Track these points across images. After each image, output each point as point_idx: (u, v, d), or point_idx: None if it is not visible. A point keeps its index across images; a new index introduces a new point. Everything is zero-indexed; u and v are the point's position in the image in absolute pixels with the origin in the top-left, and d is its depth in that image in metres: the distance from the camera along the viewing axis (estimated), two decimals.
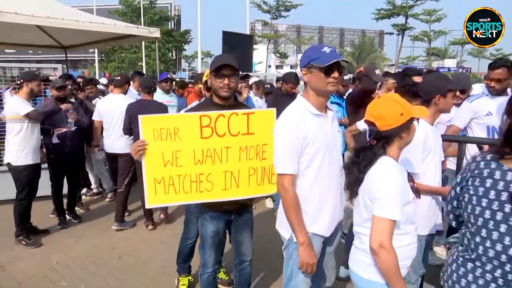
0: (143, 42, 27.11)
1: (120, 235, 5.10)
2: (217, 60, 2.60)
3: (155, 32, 7.98)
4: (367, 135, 2.10)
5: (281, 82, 6.20)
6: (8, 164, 4.64)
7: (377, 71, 4.69)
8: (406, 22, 43.61)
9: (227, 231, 2.98)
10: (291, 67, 68.96)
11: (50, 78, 7.25)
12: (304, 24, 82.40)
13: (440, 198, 2.78)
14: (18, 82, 4.74)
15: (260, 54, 44.30)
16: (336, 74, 2.16)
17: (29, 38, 8.95)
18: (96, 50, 30.14)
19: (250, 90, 8.12)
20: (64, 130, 5.03)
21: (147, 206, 2.53)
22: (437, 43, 51.07)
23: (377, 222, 1.90)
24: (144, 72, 25.80)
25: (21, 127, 4.63)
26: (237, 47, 8.90)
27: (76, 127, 5.11)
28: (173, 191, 2.50)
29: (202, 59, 41.01)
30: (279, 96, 5.56)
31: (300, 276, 2.36)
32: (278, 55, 57.51)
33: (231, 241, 3.08)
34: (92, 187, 6.78)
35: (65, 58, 9.96)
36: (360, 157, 2.02)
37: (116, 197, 5.35)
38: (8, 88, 7.47)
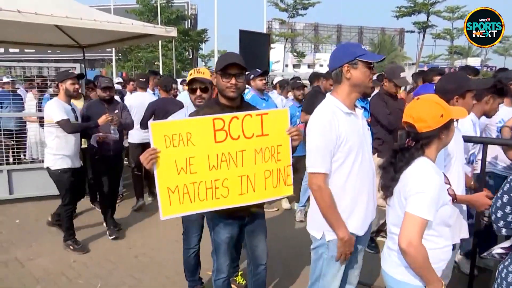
0: (160, 42, 27.37)
1: (137, 235, 5.17)
2: (224, 59, 2.55)
3: (172, 31, 8.06)
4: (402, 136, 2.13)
5: (316, 80, 6.21)
6: (48, 168, 4.59)
7: (402, 74, 4.44)
8: (427, 19, 42.96)
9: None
10: (309, 66, 68.66)
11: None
12: (322, 23, 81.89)
13: (463, 206, 2.72)
14: (56, 84, 4.66)
15: (277, 53, 44.24)
16: (375, 71, 2.25)
17: (48, 37, 9.16)
18: (113, 49, 30.56)
19: (274, 89, 8.11)
20: (106, 135, 4.82)
21: (162, 218, 2.43)
22: (460, 41, 50.02)
23: (408, 219, 1.90)
24: (161, 71, 26.05)
25: (57, 131, 4.53)
26: (254, 46, 8.89)
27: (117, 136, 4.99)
28: (188, 200, 2.43)
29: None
30: (318, 94, 5.49)
31: (329, 275, 2.39)
32: (295, 54, 57.35)
33: (244, 246, 3.05)
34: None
35: (82, 58, 10.15)
36: (397, 158, 2.04)
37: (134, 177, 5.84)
38: (26, 87, 7.67)
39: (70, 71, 4.75)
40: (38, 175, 6.30)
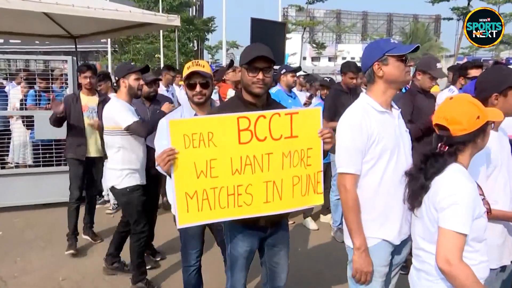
0: (161, 31, 27.58)
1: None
2: (251, 51, 2.57)
3: (175, 20, 8.11)
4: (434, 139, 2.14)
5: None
6: (112, 188, 4.17)
7: (438, 65, 4.41)
8: (468, 4, 42.49)
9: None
10: (330, 59, 68.65)
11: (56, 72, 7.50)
12: (345, 9, 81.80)
13: None
14: (115, 80, 4.29)
15: (294, 44, 44.28)
16: (411, 62, 2.30)
17: (36, 27, 9.28)
18: (109, 40, 30.87)
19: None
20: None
21: (179, 226, 2.46)
22: (508, 28, 49.37)
23: (443, 235, 1.91)
24: (162, 65, 26.22)
25: (122, 140, 4.06)
26: (268, 36, 8.91)
27: None
28: (207, 207, 2.44)
29: (227, 50, 41.33)
30: (338, 92, 5.46)
31: None
32: (314, 45, 57.32)
33: (262, 263, 3.01)
34: (104, 193, 6.94)
35: (74, 49, 10.27)
36: (428, 164, 2.06)
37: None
38: (12, 82, 7.81)
39: (132, 64, 4.51)
40: (24, 181, 6.40)
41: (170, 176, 2.40)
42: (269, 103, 2.71)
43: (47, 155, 6.58)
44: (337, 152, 2.45)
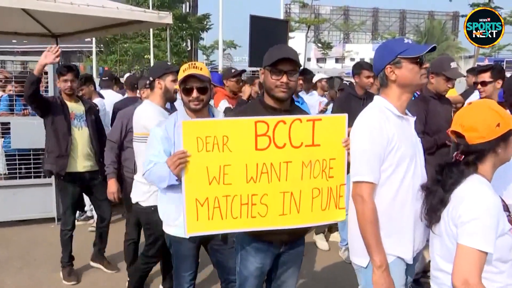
0: (151, 30, 27.72)
1: (121, 274, 5.14)
2: (275, 52, 2.61)
3: (166, 17, 8.16)
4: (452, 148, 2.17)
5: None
6: (136, 204, 3.98)
7: (453, 64, 4.39)
8: (489, 0, 42.77)
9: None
10: (337, 60, 68.94)
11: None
12: (353, 6, 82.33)
13: None
14: (148, 81, 4.14)
15: (297, 44, 44.47)
16: (426, 64, 2.39)
17: (14, 24, 9.34)
18: (93, 39, 31.04)
19: (314, 90, 8.06)
20: None
21: (187, 234, 2.52)
22: None
23: (462, 252, 1.91)
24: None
25: None
26: (269, 35, 8.92)
27: None
28: (218, 216, 2.50)
29: (223, 50, 41.44)
30: (349, 96, 5.34)
31: None
32: (319, 45, 57.59)
33: (267, 280, 3.03)
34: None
35: None
36: (444, 175, 2.08)
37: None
38: None
39: (169, 63, 4.34)
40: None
41: (180, 180, 2.47)
42: (292, 108, 2.75)
43: (24, 166, 6.56)
44: (353, 157, 2.45)
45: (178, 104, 5.37)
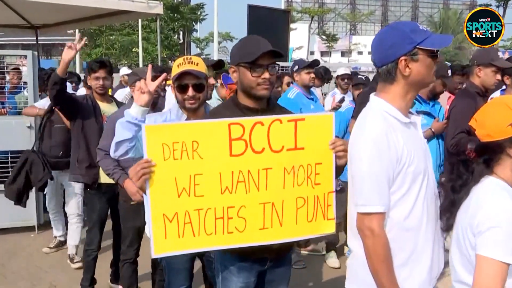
0: (139, 21, 27.72)
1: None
2: (252, 45, 2.55)
3: (156, 7, 8.16)
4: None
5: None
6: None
7: (500, 54, 4.37)
8: None
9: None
10: (343, 53, 68.94)
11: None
12: None
13: None
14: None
15: (300, 36, 44.53)
16: (440, 59, 2.25)
17: None
18: (77, 31, 30.90)
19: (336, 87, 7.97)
20: None
21: (154, 255, 2.42)
22: None
23: (482, 264, 1.89)
24: (141, 61, 26.24)
25: None
26: (268, 26, 8.95)
27: None
28: (190, 233, 2.40)
29: (219, 43, 41.36)
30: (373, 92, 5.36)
31: None
32: (324, 37, 57.62)
33: None
34: (56, 234, 6.28)
35: (35, 42, 10.30)
36: (455, 173, 2.06)
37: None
38: None
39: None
40: None
41: (145, 193, 2.38)
42: (270, 107, 2.66)
43: (1, 170, 6.54)
44: (356, 182, 2.22)
45: (168, 96, 5.34)
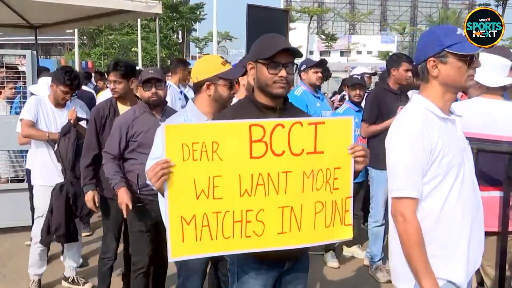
0: (138, 20, 27.72)
1: None
2: (270, 42, 2.53)
3: (155, 7, 8.15)
4: None
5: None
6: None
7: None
8: None
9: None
10: (342, 53, 68.97)
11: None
12: None
13: None
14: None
15: (299, 35, 44.56)
16: (478, 64, 2.30)
17: None
18: (76, 31, 30.97)
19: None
20: None
21: (171, 259, 2.38)
22: None
23: None
24: (140, 60, 26.24)
25: None
26: (267, 26, 8.92)
27: None
28: (207, 236, 2.35)
29: (218, 42, 41.38)
30: (383, 91, 5.24)
31: None
32: (323, 36, 57.66)
33: None
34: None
35: (35, 42, 10.29)
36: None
37: None
38: None
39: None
40: None
41: (163, 195, 2.33)
42: (286, 106, 2.65)
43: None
44: (391, 171, 2.36)
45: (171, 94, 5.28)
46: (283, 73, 2.47)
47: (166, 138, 2.28)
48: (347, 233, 2.58)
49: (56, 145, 4.56)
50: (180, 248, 2.34)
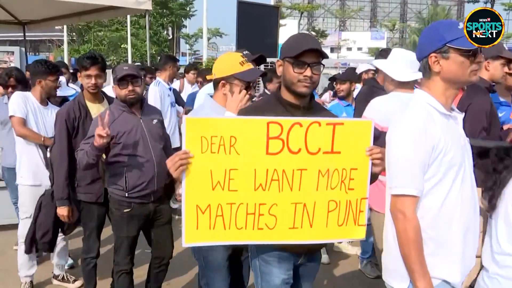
0: (128, 17, 27.63)
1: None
2: (298, 42, 2.56)
3: (145, 3, 8.11)
4: None
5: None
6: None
7: (506, 47, 4.31)
8: None
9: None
10: (332, 49, 69.04)
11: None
12: None
13: None
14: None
15: (289, 32, 44.21)
16: (481, 58, 2.27)
17: None
18: (65, 27, 30.83)
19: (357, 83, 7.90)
20: None
21: (185, 244, 2.48)
22: None
23: None
24: (129, 56, 26.18)
25: None
26: (258, 22, 8.94)
27: None
28: (221, 225, 2.45)
29: (208, 39, 41.30)
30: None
31: None
32: (313, 33, 57.62)
33: None
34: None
35: (23, 38, 10.21)
36: (495, 156, 2.16)
37: None
38: None
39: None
40: None
41: (181, 183, 2.43)
42: (311, 105, 2.69)
43: None
44: (390, 166, 2.35)
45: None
46: (308, 72, 2.50)
47: (187, 131, 2.37)
48: (360, 233, 2.63)
49: (49, 152, 4.40)
50: (194, 234, 2.46)
